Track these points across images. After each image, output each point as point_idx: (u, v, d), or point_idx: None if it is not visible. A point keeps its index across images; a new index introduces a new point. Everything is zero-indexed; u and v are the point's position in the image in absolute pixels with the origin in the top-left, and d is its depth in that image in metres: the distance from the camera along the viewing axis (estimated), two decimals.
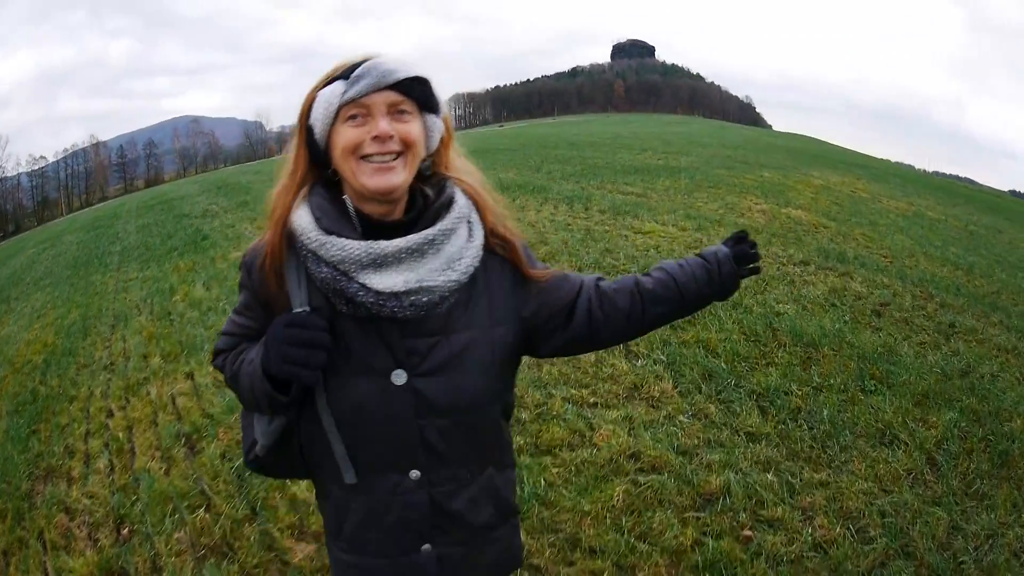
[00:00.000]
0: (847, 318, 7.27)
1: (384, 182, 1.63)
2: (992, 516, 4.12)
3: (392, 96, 1.63)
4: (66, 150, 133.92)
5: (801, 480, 4.45)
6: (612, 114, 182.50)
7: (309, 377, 1.63)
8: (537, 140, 32.37)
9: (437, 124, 1.74)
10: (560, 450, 4.81)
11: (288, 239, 1.70)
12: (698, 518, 4.11)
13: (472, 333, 1.75)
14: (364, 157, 1.63)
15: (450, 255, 1.67)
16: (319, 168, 1.74)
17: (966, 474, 4.54)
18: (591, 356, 6.09)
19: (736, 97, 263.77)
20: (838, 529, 3.99)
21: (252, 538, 4.19)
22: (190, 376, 6.75)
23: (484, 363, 1.77)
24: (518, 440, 4.90)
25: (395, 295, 1.61)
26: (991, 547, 3.89)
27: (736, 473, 4.48)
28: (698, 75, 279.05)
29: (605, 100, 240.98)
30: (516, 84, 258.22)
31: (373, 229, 1.68)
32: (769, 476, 4.47)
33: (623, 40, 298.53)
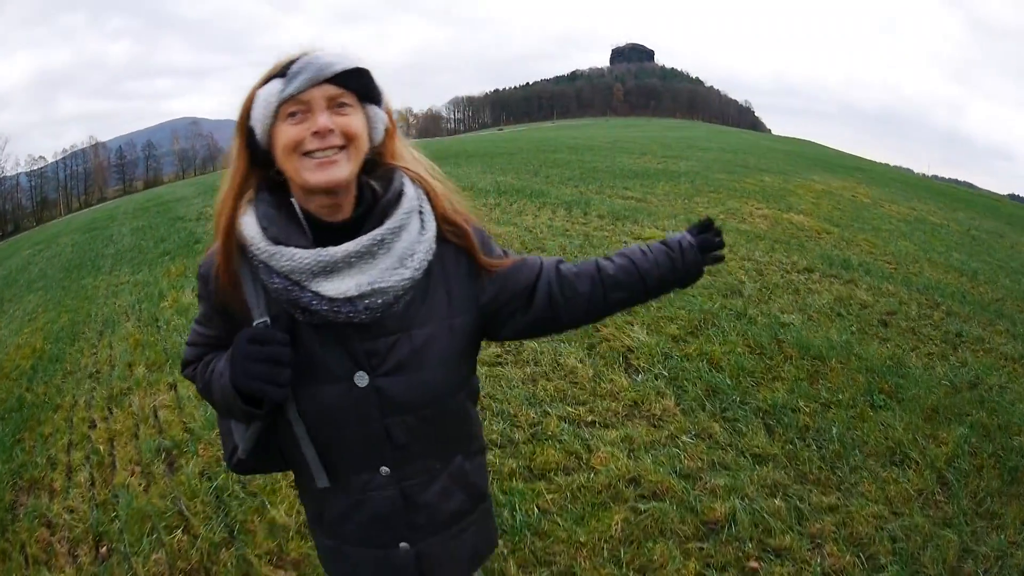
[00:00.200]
0: (854, 328, 7.10)
1: (327, 176, 1.60)
2: (1002, 536, 3.99)
3: (331, 90, 1.61)
4: (65, 151, 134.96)
5: (810, 505, 4.24)
6: (611, 118, 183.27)
7: (278, 394, 1.62)
8: (536, 144, 32.04)
9: (380, 115, 1.72)
10: (555, 474, 4.55)
11: (240, 247, 1.68)
12: (701, 549, 3.88)
13: (431, 327, 1.75)
14: (306, 154, 1.60)
15: (402, 252, 1.67)
16: (263, 169, 1.72)
17: (976, 492, 4.38)
18: (589, 371, 5.90)
19: (735, 101, 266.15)
20: (848, 557, 3.78)
21: (229, 564, 4.01)
22: (173, 387, 6.55)
23: (445, 355, 1.78)
24: (511, 464, 4.69)
25: (348, 300, 1.61)
26: (1001, 568, 3.77)
27: (742, 499, 4.25)
28: (697, 79, 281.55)
29: (604, 104, 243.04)
30: (515, 88, 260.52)
31: (322, 232, 1.67)
32: (776, 501, 4.24)
33: (622, 44, 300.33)
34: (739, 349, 6.28)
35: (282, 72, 1.61)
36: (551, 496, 4.32)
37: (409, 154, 1.85)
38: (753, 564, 3.76)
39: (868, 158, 58.99)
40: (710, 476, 4.50)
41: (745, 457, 4.71)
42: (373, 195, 1.73)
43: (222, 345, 1.81)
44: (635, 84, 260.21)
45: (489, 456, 4.47)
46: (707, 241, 1.92)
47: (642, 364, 6.04)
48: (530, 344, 6.37)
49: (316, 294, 1.61)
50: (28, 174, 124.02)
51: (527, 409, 5.36)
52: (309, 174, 1.60)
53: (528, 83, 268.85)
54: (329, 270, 1.60)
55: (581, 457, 4.74)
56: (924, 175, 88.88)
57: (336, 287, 1.60)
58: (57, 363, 8.11)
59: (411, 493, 1.83)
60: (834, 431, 4.97)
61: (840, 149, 68.86)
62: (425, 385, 1.75)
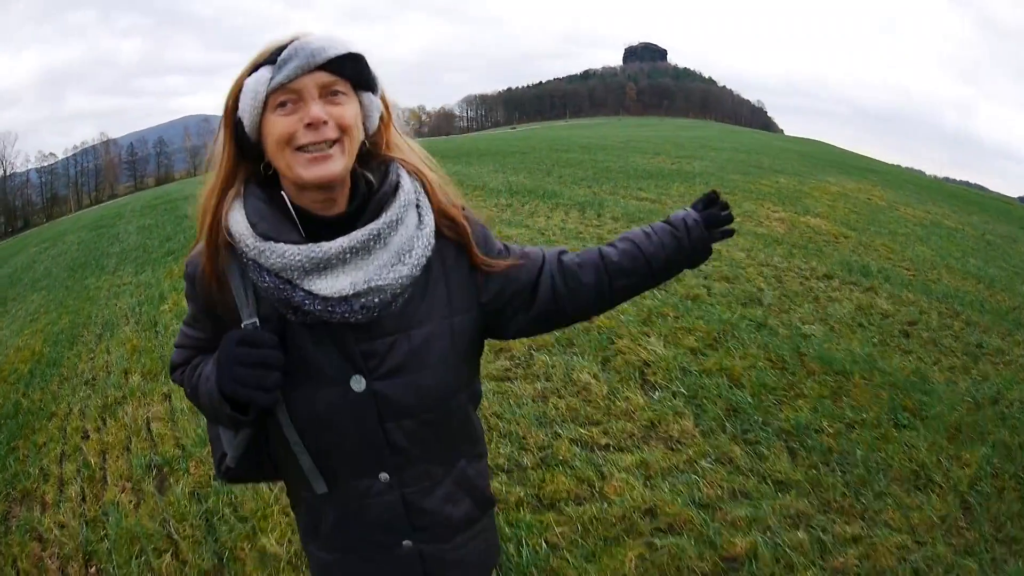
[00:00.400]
0: (876, 340, 6.92)
1: (321, 172, 1.51)
2: (1020, 563, 3.84)
3: (323, 77, 1.52)
4: (76, 147, 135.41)
5: (833, 536, 4.00)
6: (624, 117, 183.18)
7: (266, 399, 1.55)
8: (548, 143, 31.91)
9: (375, 103, 1.64)
10: (566, 504, 4.28)
11: (226, 244, 1.58)
12: None
13: (431, 326, 1.67)
14: (299, 148, 1.51)
15: (399, 247, 1.58)
16: (251, 163, 1.62)
17: (997, 517, 4.21)
18: (603, 388, 5.63)
19: (748, 101, 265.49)
20: None
21: None
22: (167, 398, 6.37)
23: (446, 356, 1.69)
24: (518, 492, 4.42)
25: (344, 299, 1.53)
26: None
27: (764, 532, 4.00)
28: (710, 79, 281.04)
29: (617, 103, 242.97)
30: (528, 86, 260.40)
31: (315, 226, 1.58)
32: (799, 534, 4.00)
33: (635, 43, 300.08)
34: (760, 363, 6.04)
35: (271, 59, 1.51)
36: (561, 529, 4.06)
37: (405, 144, 1.75)
38: None
39: (880, 159, 58.96)
40: (730, 506, 4.25)
41: (767, 484, 4.46)
42: (368, 187, 1.65)
43: (211, 348, 1.71)
44: (648, 83, 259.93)
45: (495, 483, 4.29)
46: (713, 216, 1.81)
47: (659, 380, 5.78)
48: (541, 357, 6.14)
49: (309, 293, 1.52)
50: (38, 170, 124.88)
51: (537, 430, 5.10)
52: (302, 169, 1.51)
53: (541, 82, 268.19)
54: (322, 267, 1.51)
55: (594, 485, 4.46)
56: (936, 177, 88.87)
57: (330, 285, 1.51)
58: (55, 367, 7.98)
59: (413, 499, 1.75)
60: (858, 454, 4.75)
61: (852, 150, 68.68)
62: (425, 387, 1.66)
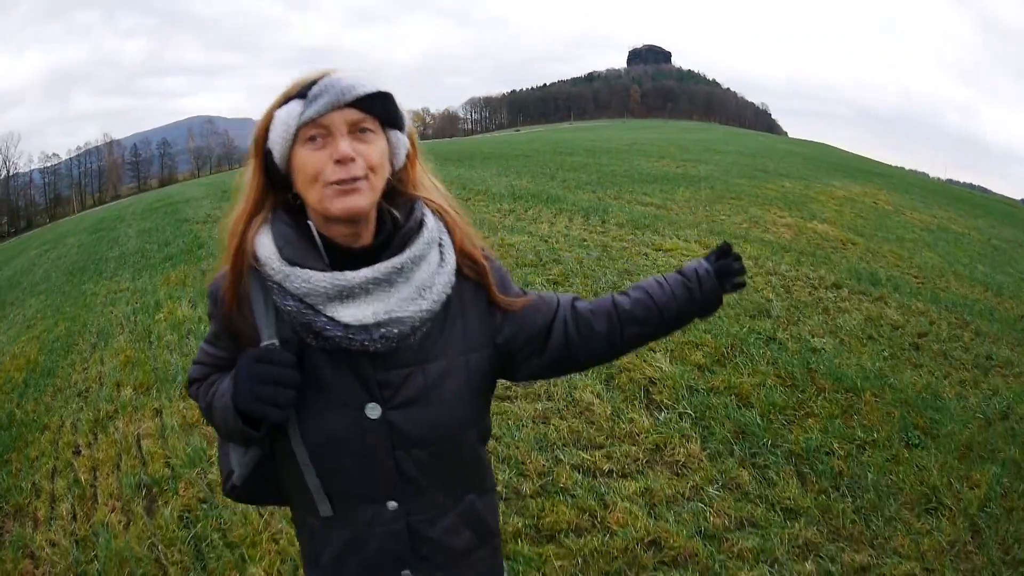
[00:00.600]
0: (886, 353, 6.78)
1: (349, 204, 1.54)
2: None
3: (352, 114, 1.54)
4: (79, 148, 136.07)
5: (841, 566, 3.87)
6: (628, 120, 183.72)
7: (279, 416, 1.57)
8: (552, 145, 31.88)
9: (402, 140, 1.67)
10: (566, 536, 4.09)
11: (251, 268, 1.62)
12: None
13: (446, 361, 1.69)
14: (328, 184, 1.52)
15: (421, 282, 1.61)
16: (278, 192, 1.65)
17: (1005, 539, 4.11)
18: (607, 409, 5.45)
19: (752, 103, 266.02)
20: None
21: None
22: (158, 413, 6.23)
23: (459, 391, 1.71)
24: (515, 522, 4.24)
25: (364, 328, 1.55)
26: None
27: (771, 564, 3.86)
28: (714, 81, 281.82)
29: (621, 105, 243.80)
30: (532, 88, 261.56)
31: (340, 257, 1.61)
32: (808, 565, 3.86)
33: (639, 46, 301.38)
34: (769, 381, 5.88)
35: (301, 93, 1.54)
36: (560, 563, 3.88)
37: (430, 182, 1.79)
38: None
39: (884, 161, 59.16)
40: (738, 537, 4.08)
41: (776, 511, 4.30)
42: (393, 223, 1.68)
43: (229, 366, 1.73)
44: (652, 86, 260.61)
45: None
46: (726, 267, 1.83)
47: (665, 400, 5.61)
48: None
49: (331, 319, 1.54)
50: (41, 171, 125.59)
51: (537, 455, 4.91)
52: (330, 202, 1.54)
53: (545, 84, 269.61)
54: (346, 295, 1.54)
55: (596, 515, 4.28)
56: (939, 179, 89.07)
57: (352, 313, 1.54)
58: (49, 377, 7.86)
59: (418, 528, 1.73)
60: (869, 477, 4.61)
61: (856, 152, 68.79)
62: (439, 420, 1.68)
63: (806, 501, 4.37)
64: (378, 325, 1.55)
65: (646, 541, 4.02)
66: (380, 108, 1.58)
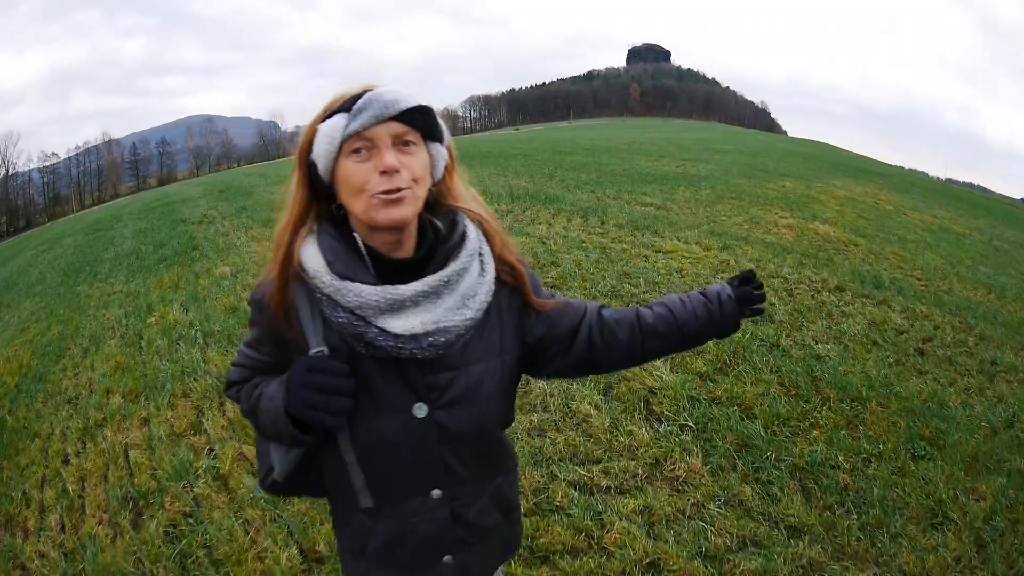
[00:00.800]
0: (891, 360, 6.66)
1: (394, 214, 1.61)
2: None
3: (396, 127, 1.61)
4: (79, 147, 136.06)
5: None
6: (628, 118, 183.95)
7: (333, 422, 1.65)
8: (552, 144, 31.78)
9: (441, 152, 1.74)
10: (560, 558, 3.92)
11: (297, 276, 1.69)
12: None
13: (486, 364, 1.79)
14: (373, 195, 1.60)
15: (464, 292, 1.69)
16: (322, 203, 1.73)
17: (1009, 553, 4.03)
18: (605, 421, 5.29)
19: (751, 102, 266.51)
20: None
21: None
22: (146, 422, 6.12)
23: (497, 390, 1.83)
24: None
25: (413, 337, 1.62)
26: None
27: None
28: (713, 80, 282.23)
29: (620, 104, 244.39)
30: (532, 87, 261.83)
31: (383, 267, 1.69)
32: None
33: (639, 44, 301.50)
34: (773, 390, 5.72)
35: (346, 107, 1.60)
36: None
37: (468, 193, 1.87)
38: None
39: (883, 160, 59.23)
40: (740, 557, 3.93)
41: (779, 529, 4.15)
42: (435, 233, 1.77)
43: (270, 371, 1.83)
44: (652, 84, 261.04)
45: None
46: (746, 294, 1.93)
47: (665, 411, 5.44)
48: (539, 384, 5.80)
49: (382, 330, 1.62)
50: (40, 170, 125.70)
51: (532, 470, 4.75)
52: (375, 212, 1.61)
53: (544, 83, 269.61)
54: (396, 308, 1.62)
55: (592, 535, 4.12)
56: (939, 179, 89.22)
57: (402, 324, 1.62)
58: (41, 383, 7.77)
59: (460, 512, 1.86)
60: (875, 492, 4.48)
61: (855, 151, 68.88)
62: (479, 417, 1.79)
63: (810, 518, 4.23)
64: (427, 335, 1.63)
65: (645, 563, 3.86)
66: (422, 122, 1.65)
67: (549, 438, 5.12)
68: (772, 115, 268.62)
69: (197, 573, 4.12)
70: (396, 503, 1.81)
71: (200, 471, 5.06)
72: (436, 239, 1.76)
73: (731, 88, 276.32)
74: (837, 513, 4.30)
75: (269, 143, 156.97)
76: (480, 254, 1.77)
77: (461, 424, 1.76)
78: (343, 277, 1.62)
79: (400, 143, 1.62)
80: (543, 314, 1.90)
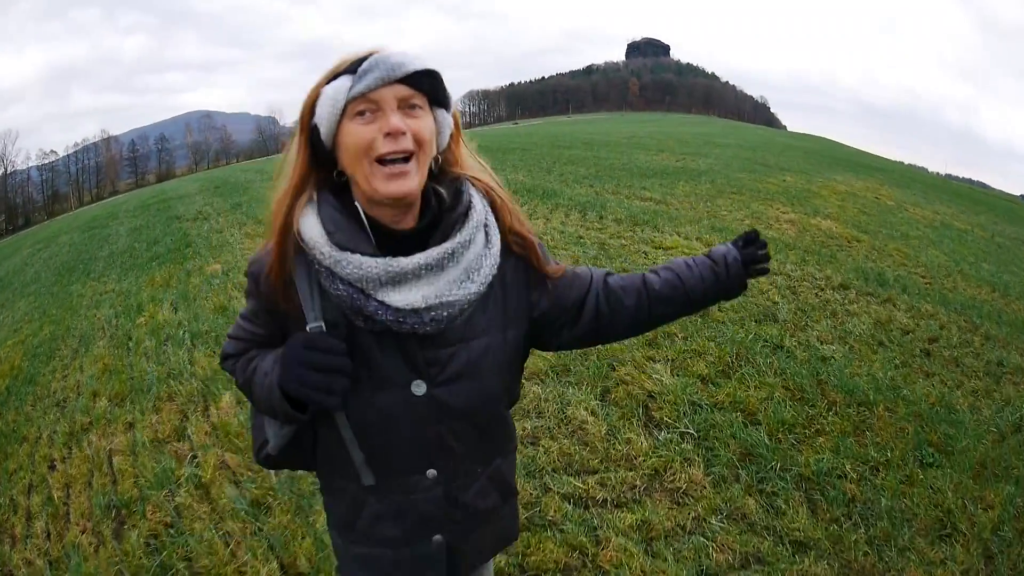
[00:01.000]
0: (897, 361, 6.53)
1: (397, 188, 1.56)
2: None
3: (402, 90, 1.56)
4: (77, 144, 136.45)
5: None
6: (627, 113, 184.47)
7: (331, 403, 1.60)
8: (551, 139, 31.88)
9: (447, 119, 1.68)
10: None
11: (295, 248, 1.64)
12: None
13: (488, 338, 1.74)
14: (378, 159, 1.56)
15: (468, 265, 1.64)
16: (323, 170, 1.67)
17: (1016, 564, 3.90)
18: (602, 428, 5.09)
19: (751, 97, 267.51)
20: None
21: None
22: (131, 427, 6.01)
23: (500, 365, 1.78)
24: (498, 560, 3.84)
25: (415, 311, 1.58)
26: None
27: None
28: (713, 74, 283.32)
29: (620, 98, 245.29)
30: (531, 82, 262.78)
31: (385, 238, 1.64)
32: None
33: (638, 39, 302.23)
34: (777, 394, 5.56)
35: (351, 69, 1.56)
36: None
37: (475, 161, 1.81)
38: None
39: (883, 156, 59.38)
40: None
41: (784, 544, 3.96)
42: (439, 203, 1.71)
43: (266, 343, 1.80)
44: (651, 79, 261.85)
45: None
46: (752, 255, 1.90)
47: (665, 417, 5.24)
48: (533, 388, 5.64)
49: (382, 303, 1.57)
50: (39, 168, 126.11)
51: (524, 482, 4.53)
52: (379, 183, 1.56)
53: (543, 77, 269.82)
54: (397, 280, 1.57)
55: (587, 552, 3.90)
56: (939, 174, 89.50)
57: (403, 298, 1.57)
58: (30, 385, 7.64)
59: (455, 493, 1.83)
60: (883, 503, 4.31)
61: (855, 146, 69.03)
62: (479, 393, 1.75)
63: (816, 532, 4.05)
64: (428, 308, 1.58)
65: None
66: (428, 86, 1.60)
67: (543, 446, 4.93)
68: (772, 110, 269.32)
69: None
70: (392, 480, 1.78)
71: (182, 479, 4.95)
72: (440, 209, 1.70)
73: (730, 83, 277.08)
74: (844, 526, 4.13)
75: (268, 139, 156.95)
76: (486, 225, 1.73)
77: (461, 401, 1.72)
78: (343, 248, 1.57)
79: (406, 106, 1.57)
80: (549, 286, 1.85)
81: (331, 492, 1.93)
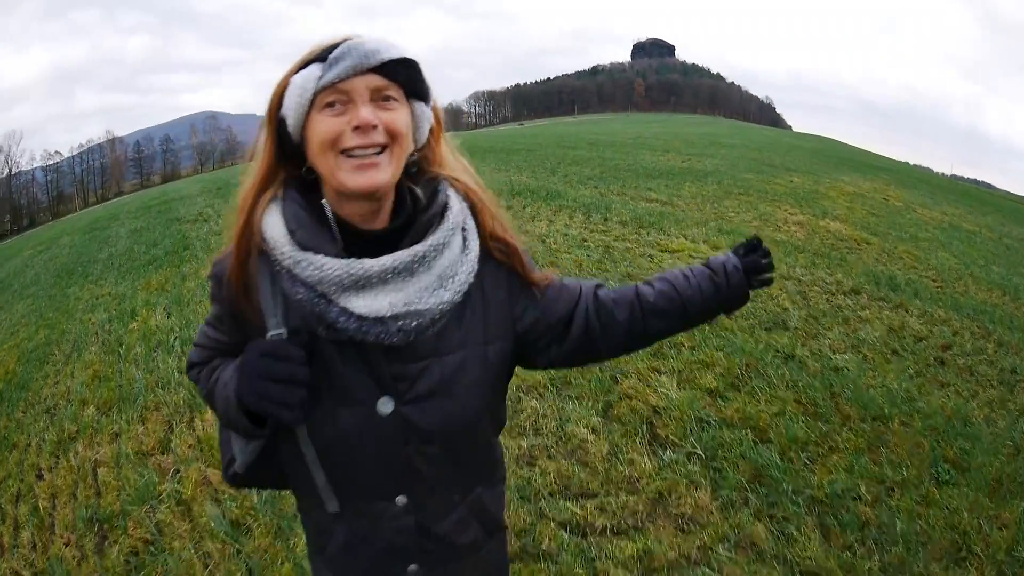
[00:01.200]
0: (912, 371, 6.37)
1: (367, 181, 1.43)
2: None
3: (375, 80, 1.44)
4: (82, 145, 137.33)
5: None
6: (633, 113, 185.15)
7: (289, 417, 1.46)
8: (556, 139, 31.83)
9: (426, 113, 1.55)
10: None
11: (259, 249, 1.51)
12: None
13: (465, 352, 1.59)
14: (345, 152, 1.43)
15: (442, 271, 1.50)
16: (291, 166, 1.54)
17: None
18: (603, 447, 4.85)
19: (756, 97, 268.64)
20: None
21: None
22: (116, 437, 5.90)
23: (477, 383, 1.62)
24: None
25: (380, 320, 1.44)
26: None
27: None
28: (718, 75, 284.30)
29: (625, 99, 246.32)
30: (536, 82, 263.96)
31: (354, 239, 1.50)
32: None
33: (643, 39, 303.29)
34: (789, 408, 5.34)
35: (321, 57, 1.44)
36: None
37: (456, 160, 1.68)
38: None
39: (888, 156, 59.52)
40: None
41: (795, 575, 3.73)
42: (414, 204, 1.58)
43: (231, 351, 1.66)
44: (656, 79, 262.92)
45: None
46: (754, 263, 1.76)
47: (671, 435, 4.99)
48: (530, 403, 5.43)
49: (344, 310, 1.44)
50: (44, 168, 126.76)
51: (518, 506, 4.27)
52: (346, 176, 1.43)
53: (549, 78, 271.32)
54: (361, 285, 1.43)
55: None
56: (944, 175, 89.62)
57: (367, 305, 1.44)
58: (23, 390, 7.55)
59: (428, 523, 1.68)
60: (898, 526, 4.09)
61: (860, 146, 69.12)
62: (453, 414, 1.59)
63: (829, 561, 3.80)
64: (395, 317, 1.45)
65: None
66: (405, 76, 1.48)
67: (539, 467, 4.70)
68: (777, 110, 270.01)
69: None
70: (358, 506, 1.65)
71: (164, 495, 4.84)
72: (415, 209, 1.58)
73: (736, 83, 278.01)
74: (858, 553, 3.91)
75: None
76: (464, 228, 1.60)
77: (433, 422, 1.57)
78: (304, 248, 1.45)
79: (380, 98, 1.45)
80: (537, 295, 1.71)
81: (303, 516, 1.83)
